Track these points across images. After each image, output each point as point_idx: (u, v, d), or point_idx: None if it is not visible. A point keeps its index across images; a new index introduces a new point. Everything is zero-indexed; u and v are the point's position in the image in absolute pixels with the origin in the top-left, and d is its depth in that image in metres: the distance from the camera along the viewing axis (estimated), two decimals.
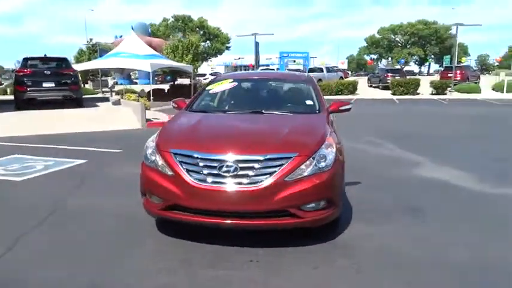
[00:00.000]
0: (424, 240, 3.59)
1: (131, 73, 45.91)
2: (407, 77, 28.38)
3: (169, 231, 3.71)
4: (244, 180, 3.17)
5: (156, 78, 37.30)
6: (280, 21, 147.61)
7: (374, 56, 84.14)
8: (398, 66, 51.21)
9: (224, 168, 3.20)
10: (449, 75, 27.81)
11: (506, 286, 2.92)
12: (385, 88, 28.40)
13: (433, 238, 3.64)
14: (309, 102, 4.59)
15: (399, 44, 79.37)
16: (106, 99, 18.46)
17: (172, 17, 71.18)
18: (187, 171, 3.28)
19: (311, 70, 32.19)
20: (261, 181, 3.15)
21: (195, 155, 3.31)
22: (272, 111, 4.29)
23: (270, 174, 3.17)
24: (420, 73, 75.29)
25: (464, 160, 6.88)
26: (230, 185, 3.17)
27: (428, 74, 72.14)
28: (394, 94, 25.02)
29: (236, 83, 4.97)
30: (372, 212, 4.23)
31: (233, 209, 3.20)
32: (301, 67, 57.05)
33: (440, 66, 78.50)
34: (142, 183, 3.64)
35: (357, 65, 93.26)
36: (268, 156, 3.22)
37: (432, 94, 24.71)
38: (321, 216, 3.31)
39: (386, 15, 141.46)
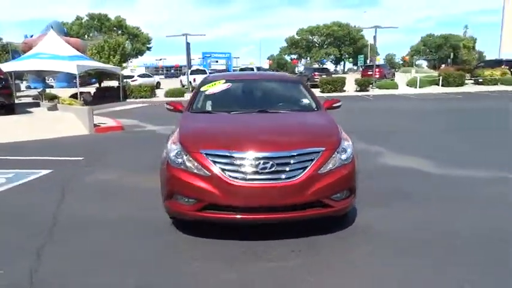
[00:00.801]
0: (421, 216, 4.11)
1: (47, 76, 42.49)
2: (333, 76, 30.13)
3: (194, 231, 3.75)
4: (282, 176, 3.35)
5: (74, 81, 34.97)
6: (200, 21, 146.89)
7: (294, 56, 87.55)
8: (324, 66, 53.99)
9: (261, 165, 3.34)
10: (369, 73, 30.20)
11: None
12: (314, 86, 29.85)
13: (426, 213, 4.17)
14: (305, 100, 4.87)
15: (317, 45, 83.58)
16: (37, 105, 17.03)
17: (86, 15, 67.22)
18: (223, 170, 3.37)
19: (242, 70, 32.67)
20: (297, 175, 3.36)
21: (231, 155, 3.41)
22: (277, 110, 4.50)
23: (304, 168, 3.39)
24: (336, 72, 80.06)
25: (414, 149, 7.67)
26: (268, 181, 3.33)
27: (344, 72, 76.90)
28: (323, 92, 26.41)
29: (230, 84, 5.08)
30: (369, 196, 4.59)
31: (271, 203, 3.37)
32: (224, 67, 57.57)
33: (354, 65, 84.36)
34: (168, 186, 3.62)
35: (277, 65, 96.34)
36: (301, 152, 3.44)
37: (357, 91, 26.57)
38: (346, 204, 3.62)
39: (303, 16, 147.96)
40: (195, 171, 3.45)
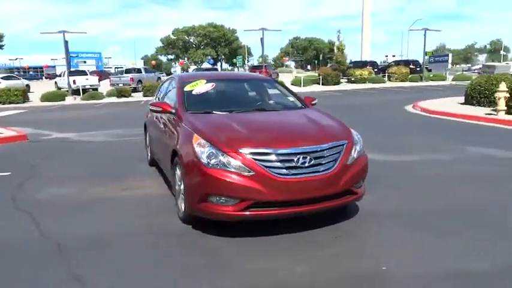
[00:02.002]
0: (403, 197, 4.71)
1: None
2: None
3: (230, 233, 3.68)
4: (320, 168, 3.53)
5: None
6: (59, 18, 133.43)
7: (171, 56, 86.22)
8: (208, 66, 54.27)
9: (301, 160, 3.47)
10: (256, 73, 31.62)
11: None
12: None
13: (406, 195, 4.81)
14: (291, 98, 5.08)
15: (194, 45, 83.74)
16: None
17: None
18: (266, 167, 3.40)
19: (127, 71, 30.97)
20: (332, 167, 3.58)
21: (271, 152, 3.45)
22: (273, 108, 4.63)
23: (335, 160, 3.63)
24: None
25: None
26: (309, 175, 3.48)
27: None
28: None
29: (213, 84, 5.00)
30: None
31: (313, 195, 3.53)
32: (94, 68, 53.62)
33: (230, 66, 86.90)
34: (204, 188, 3.50)
35: (152, 66, 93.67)
36: (332, 145, 3.67)
37: None
38: (363, 191, 3.97)
39: (175, 16, 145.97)
40: (236, 170, 3.40)
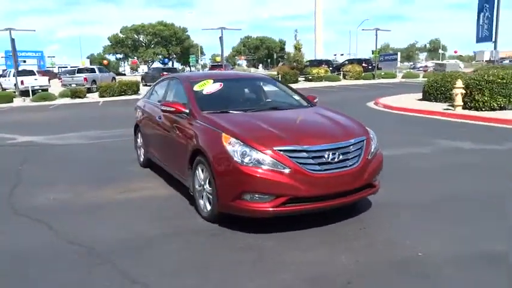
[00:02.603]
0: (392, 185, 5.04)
1: None
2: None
3: (265, 229, 3.75)
4: (348, 163, 3.71)
5: None
6: None
7: (120, 56, 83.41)
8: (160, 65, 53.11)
9: (331, 156, 3.63)
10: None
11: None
12: None
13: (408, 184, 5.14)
14: (296, 97, 5.22)
15: (143, 44, 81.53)
16: None
17: None
18: (301, 164, 3.52)
19: (79, 71, 29.61)
20: (357, 162, 3.77)
21: (303, 149, 3.58)
22: (286, 107, 4.75)
23: (359, 155, 3.83)
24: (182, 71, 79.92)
25: None
26: (339, 170, 3.64)
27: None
28: None
29: (221, 83, 5.02)
30: None
31: (343, 189, 3.69)
32: (36, 67, 50.73)
33: (182, 65, 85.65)
34: (239, 186, 3.55)
35: (100, 65, 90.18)
36: (355, 141, 3.87)
37: None
38: (379, 184, 4.20)
39: (120, 14, 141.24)
40: (272, 168, 3.49)
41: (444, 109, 12.71)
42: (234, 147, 3.61)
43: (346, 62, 35.17)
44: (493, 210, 4.21)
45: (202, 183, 4.04)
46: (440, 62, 44.07)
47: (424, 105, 13.93)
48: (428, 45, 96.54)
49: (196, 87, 4.86)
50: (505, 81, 11.80)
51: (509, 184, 5.12)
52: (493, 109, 11.78)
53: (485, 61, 54.99)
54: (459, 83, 12.21)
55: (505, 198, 4.56)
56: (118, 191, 5.27)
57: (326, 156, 3.62)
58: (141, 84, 28.52)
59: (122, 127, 11.15)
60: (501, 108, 11.78)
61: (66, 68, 53.11)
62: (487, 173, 5.67)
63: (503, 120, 10.37)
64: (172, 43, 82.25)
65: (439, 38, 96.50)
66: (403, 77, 33.38)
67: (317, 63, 34.39)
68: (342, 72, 31.57)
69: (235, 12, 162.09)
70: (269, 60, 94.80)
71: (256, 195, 3.52)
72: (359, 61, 35.39)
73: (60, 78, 41.70)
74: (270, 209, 3.52)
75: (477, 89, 12.05)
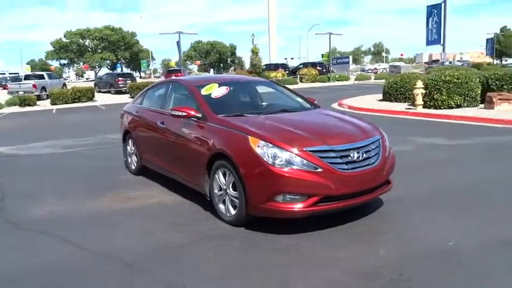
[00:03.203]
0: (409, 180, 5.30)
1: None
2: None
3: (295, 228, 3.80)
4: (372, 161, 3.86)
5: None
6: None
7: (64, 61, 79.49)
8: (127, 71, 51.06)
9: (356, 155, 3.76)
10: (173, 77, 31.03)
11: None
12: (119, 92, 28.64)
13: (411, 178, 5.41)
14: (299, 99, 5.31)
15: (90, 49, 78.30)
16: None
17: None
18: (330, 163, 3.62)
19: (26, 77, 27.90)
20: (378, 160, 3.93)
21: (331, 149, 3.68)
22: (294, 110, 4.83)
23: (378, 154, 3.99)
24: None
25: None
26: (364, 168, 3.78)
27: (141, 77, 74.97)
28: (133, 97, 25.65)
29: (228, 87, 5.00)
30: None
31: (368, 186, 3.84)
32: None
33: (131, 70, 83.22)
34: (272, 188, 3.57)
35: (42, 71, 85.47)
36: (374, 140, 4.03)
37: None
38: (393, 181, 4.38)
39: (64, 19, 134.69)
40: (304, 168, 3.55)
41: (406, 108, 13.43)
42: (264, 150, 3.63)
43: (301, 66, 36.05)
44: (491, 199, 4.55)
45: (225, 187, 4.01)
46: (395, 64, 46.59)
47: (386, 105, 14.62)
48: (372, 49, 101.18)
49: (203, 92, 4.82)
50: (460, 81, 12.71)
51: (497, 175, 5.55)
52: (451, 107, 12.63)
53: (424, 63, 59.02)
54: (419, 84, 12.95)
55: (499, 187, 4.95)
56: (117, 199, 5.08)
57: (352, 155, 3.74)
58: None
59: (92, 135, 10.72)
60: (457, 106, 12.66)
61: (4, 75, 49.66)
62: (471, 166, 6.11)
63: (461, 117, 11.17)
64: (120, 48, 79.66)
65: (382, 41, 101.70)
66: (356, 79, 34.77)
67: (273, 67, 34.90)
68: (298, 76, 32.24)
69: (185, 16, 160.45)
70: (221, 64, 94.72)
71: (289, 196, 3.57)
72: (313, 64, 36.42)
73: (2, 86, 39.09)
74: (303, 209, 3.58)
75: (435, 88, 12.87)
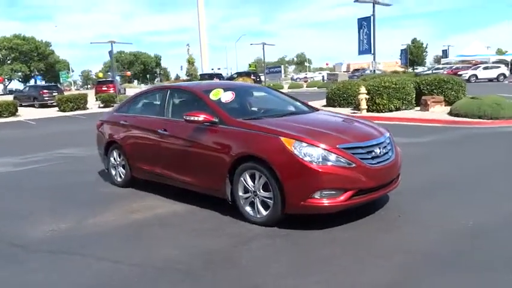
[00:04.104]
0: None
1: None
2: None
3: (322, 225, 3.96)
4: (391, 156, 4.18)
5: None
6: None
7: None
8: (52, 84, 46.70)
9: (378, 150, 4.05)
10: (103, 88, 29.60)
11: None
12: (44, 106, 26.64)
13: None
14: (298, 103, 5.49)
15: None
16: None
17: None
18: (361, 159, 3.86)
19: None
20: (393, 154, 4.26)
21: (359, 145, 3.93)
22: (302, 112, 5.03)
23: (392, 149, 4.32)
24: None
25: None
26: (385, 162, 4.08)
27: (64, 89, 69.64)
28: (63, 111, 23.96)
29: (233, 92, 5.02)
30: None
31: (390, 179, 4.14)
32: None
33: (47, 82, 77.42)
34: (313, 184, 3.72)
35: None
36: (387, 136, 4.36)
37: (101, 107, 25.63)
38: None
39: None
40: (340, 164, 3.75)
41: (352, 112, 14.33)
42: (300, 149, 3.76)
43: (235, 75, 36.50)
44: (486, 185, 5.18)
45: (253, 189, 4.05)
46: (333, 72, 49.26)
47: (333, 110, 15.46)
48: (295, 59, 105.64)
49: (212, 97, 4.81)
50: (398, 86, 13.94)
51: (477, 163, 6.27)
52: (391, 110, 13.79)
53: (344, 72, 63.58)
54: (363, 89, 13.93)
55: (488, 174, 5.62)
56: (120, 213, 4.84)
57: (375, 150, 4.03)
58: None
59: (41, 151, 9.89)
60: (397, 109, 13.86)
61: None
62: (448, 159, 6.81)
63: (406, 119, 12.29)
64: (34, 59, 73.85)
65: (304, 52, 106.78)
66: (289, 88, 36.09)
67: (208, 76, 34.87)
68: None
69: (100, 26, 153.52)
70: (147, 75, 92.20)
71: (326, 192, 3.73)
72: (247, 74, 37.12)
73: None
74: (340, 203, 3.77)
75: (377, 93, 13.96)
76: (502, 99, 11.59)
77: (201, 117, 4.43)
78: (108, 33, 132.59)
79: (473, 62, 44.15)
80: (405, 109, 13.98)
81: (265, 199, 3.99)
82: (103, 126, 6.34)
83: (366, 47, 20.16)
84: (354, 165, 3.80)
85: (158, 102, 5.49)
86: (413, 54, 52.80)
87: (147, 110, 5.68)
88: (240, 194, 4.19)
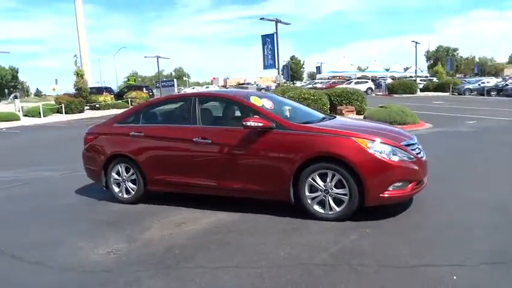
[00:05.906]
0: None
1: None
2: None
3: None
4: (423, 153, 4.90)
5: None
6: None
7: None
8: None
9: (417, 147, 4.76)
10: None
11: None
12: None
13: None
14: (311, 110, 5.92)
15: None
16: None
17: None
18: (416, 154, 4.54)
19: None
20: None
21: (409, 143, 4.61)
22: (332, 118, 5.53)
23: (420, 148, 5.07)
24: None
25: None
26: (424, 157, 4.78)
27: None
28: None
29: (268, 99, 5.22)
30: None
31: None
32: None
33: None
34: (393, 178, 4.23)
35: None
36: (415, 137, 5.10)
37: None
38: None
39: None
40: (407, 159, 4.36)
41: None
42: (376, 148, 4.24)
43: (126, 90, 34.71)
44: (473, 174, 6.33)
45: (324, 188, 4.35)
46: (245, 84, 50.08)
47: None
48: (174, 73, 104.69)
49: (258, 104, 4.95)
50: (315, 97, 15.39)
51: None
52: None
53: (220, 86, 66.33)
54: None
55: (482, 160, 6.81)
56: (167, 228, 4.55)
57: (417, 148, 4.72)
58: None
59: (12, 169, 8.48)
60: None
61: None
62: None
63: None
64: None
65: (182, 66, 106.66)
66: None
67: (96, 90, 32.42)
68: (129, 99, 30.91)
69: None
70: (5, 90, 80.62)
71: (397, 184, 4.27)
72: (139, 87, 35.67)
73: None
74: (408, 193, 4.39)
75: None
76: (405, 109, 13.82)
77: (261, 123, 4.55)
78: None
79: (342, 77, 50.21)
80: None
81: (339, 196, 4.32)
82: (98, 140, 5.80)
83: (271, 62, 21.55)
84: (414, 159, 4.43)
85: (184, 111, 5.33)
86: (292, 70, 57.60)
87: (170, 120, 5.45)
88: (307, 193, 4.43)
